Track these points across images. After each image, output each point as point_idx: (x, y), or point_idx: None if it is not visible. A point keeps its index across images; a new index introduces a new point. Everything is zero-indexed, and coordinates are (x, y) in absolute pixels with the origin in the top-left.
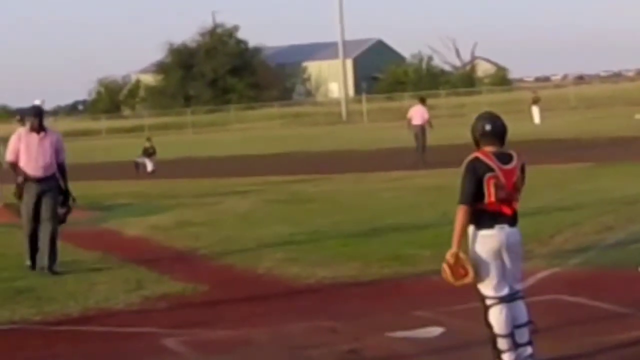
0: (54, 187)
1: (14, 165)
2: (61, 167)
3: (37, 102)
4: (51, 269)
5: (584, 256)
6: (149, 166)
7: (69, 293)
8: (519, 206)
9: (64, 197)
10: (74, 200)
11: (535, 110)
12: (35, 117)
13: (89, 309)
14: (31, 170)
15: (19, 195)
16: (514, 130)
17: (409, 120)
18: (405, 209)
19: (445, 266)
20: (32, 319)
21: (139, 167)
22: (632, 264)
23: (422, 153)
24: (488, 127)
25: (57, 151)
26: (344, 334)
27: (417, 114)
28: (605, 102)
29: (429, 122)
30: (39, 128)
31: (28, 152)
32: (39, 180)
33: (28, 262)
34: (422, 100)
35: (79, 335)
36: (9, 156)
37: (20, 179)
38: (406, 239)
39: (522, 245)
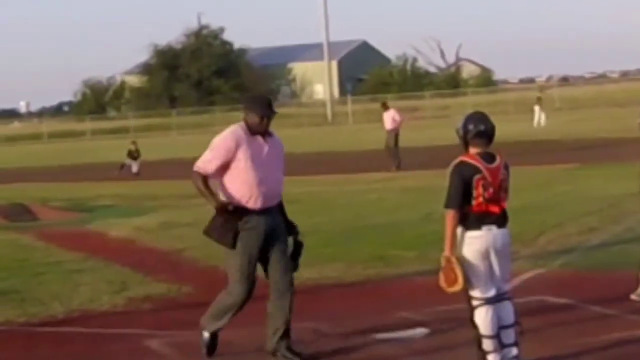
0: (282, 223)
1: (205, 182)
2: None
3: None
4: (293, 352)
5: (568, 257)
6: (134, 167)
7: (53, 294)
8: (509, 206)
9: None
10: (298, 234)
11: (536, 111)
12: (268, 111)
13: (73, 310)
14: (256, 196)
15: (233, 239)
16: (499, 132)
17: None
18: (389, 210)
19: (440, 272)
20: (16, 320)
21: (123, 167)
22: (616, 264)
23: (394, 156)
24: (482, 127)
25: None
26: (327, 335)
27: (387, 119)
28: (590, 104)
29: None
30: (266, 130)
31: (254, 166)
32: (265, 212)
33: (206, 336)
34: (384, 106)
35: (63, 336)
36: (205, 165)
37: (230, 206)
38: (390, 240)
39: (511, 245)
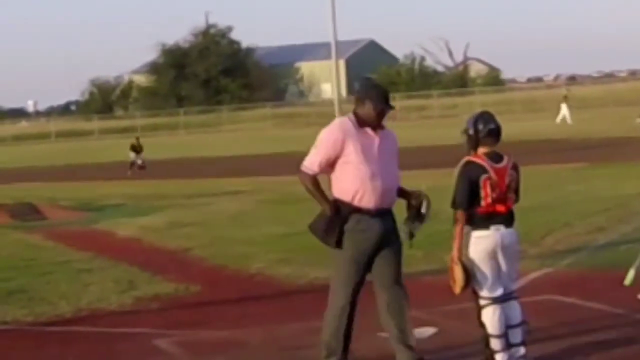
0: (394, 227)
1: (314, 183)
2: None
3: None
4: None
5: (575, 257)
6: (139, 161)
7: (61, 294)
8: (516, 206)
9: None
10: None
11: (564, 108)
12: (383, 103)
13: (81, 310)
14: (369, 193)
15: (338, 239)
16: (506, 131)
17: None
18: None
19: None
20: (24, 320)
21: (133, 165)
22: (624, 264)
23: None
24: (492, 126)
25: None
26: None
27: None
28: (598, 103)
29: None
30: (379, 124)
31: (365, 159)
32: (379, 215)
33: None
34: None
35: (70, 336)
36: (312, 162)
37: (328, 209)
38: None
39: (519, 245)
